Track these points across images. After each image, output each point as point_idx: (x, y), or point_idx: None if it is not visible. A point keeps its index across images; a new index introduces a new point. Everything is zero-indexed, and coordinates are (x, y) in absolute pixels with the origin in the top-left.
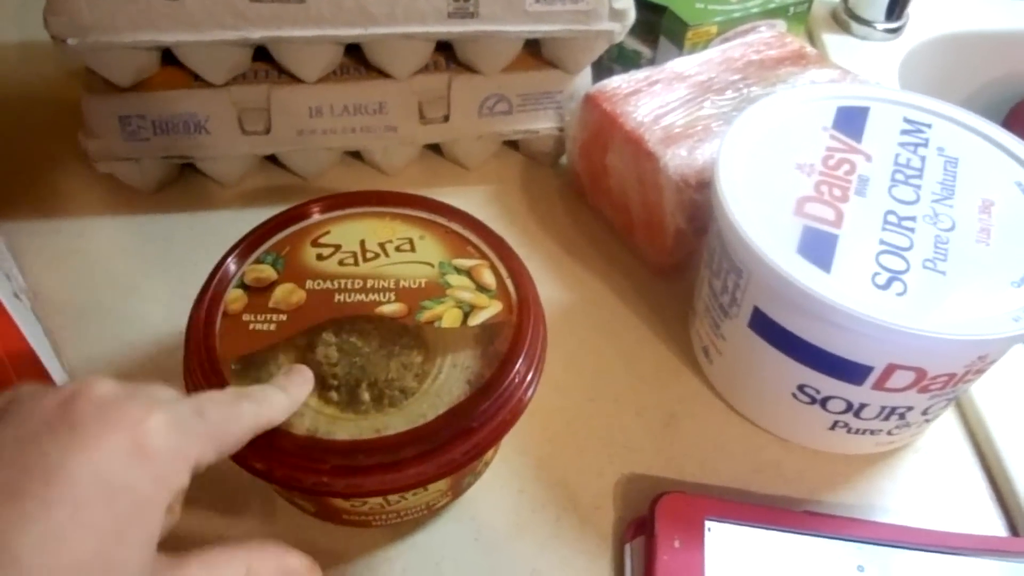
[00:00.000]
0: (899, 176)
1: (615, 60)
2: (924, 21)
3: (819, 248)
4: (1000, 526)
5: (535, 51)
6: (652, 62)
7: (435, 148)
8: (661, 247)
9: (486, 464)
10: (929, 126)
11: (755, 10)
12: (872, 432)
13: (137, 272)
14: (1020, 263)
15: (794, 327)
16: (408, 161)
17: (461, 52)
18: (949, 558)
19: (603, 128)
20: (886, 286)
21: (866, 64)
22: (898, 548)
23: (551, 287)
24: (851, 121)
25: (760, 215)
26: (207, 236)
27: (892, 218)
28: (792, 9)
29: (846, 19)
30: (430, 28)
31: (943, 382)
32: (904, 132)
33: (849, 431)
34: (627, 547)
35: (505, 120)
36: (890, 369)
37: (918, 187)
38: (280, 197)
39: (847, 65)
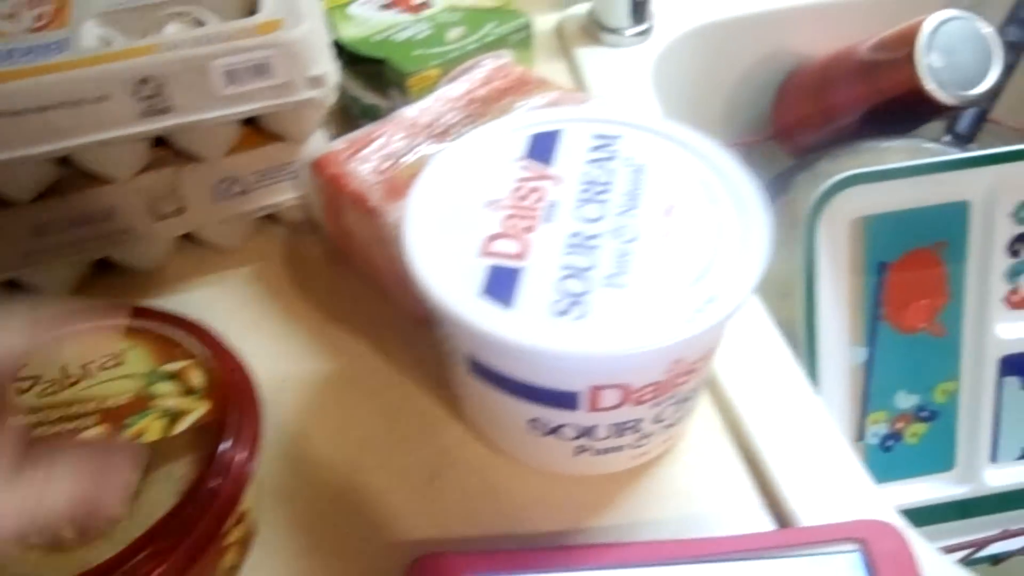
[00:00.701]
0: (586, 194)
1: (361, 116)
2: (672, 18)
3: (503, 285)
4: (768, 519)
5: (259, 127)
6: (390, 111)
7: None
8: (413, 297)
9: (234, 568)
10: (618, 138)
11: (473, 47)
12: (618, 449)
13: None
14: (697, 261)
15: (498, 366)
16: (164, 256)
17: (178, 144)
18: (719, 566)
19: (333, 192)
20: (566, 311)
21: (620, 72)
22: (665, 566)
23: (315, 360)
24: (543, 147)
25: (446, 262)
26: None
27: (576, 239)
28: (513, 38)
29: (594, 30)
30: (125, 131)
31: (653, 391)
32: (594, 149)
33: (595, 453)
34: None
35: (244, 200)
36: (596, 391)
37: (604, 202)
38: None
39: (602, 77)
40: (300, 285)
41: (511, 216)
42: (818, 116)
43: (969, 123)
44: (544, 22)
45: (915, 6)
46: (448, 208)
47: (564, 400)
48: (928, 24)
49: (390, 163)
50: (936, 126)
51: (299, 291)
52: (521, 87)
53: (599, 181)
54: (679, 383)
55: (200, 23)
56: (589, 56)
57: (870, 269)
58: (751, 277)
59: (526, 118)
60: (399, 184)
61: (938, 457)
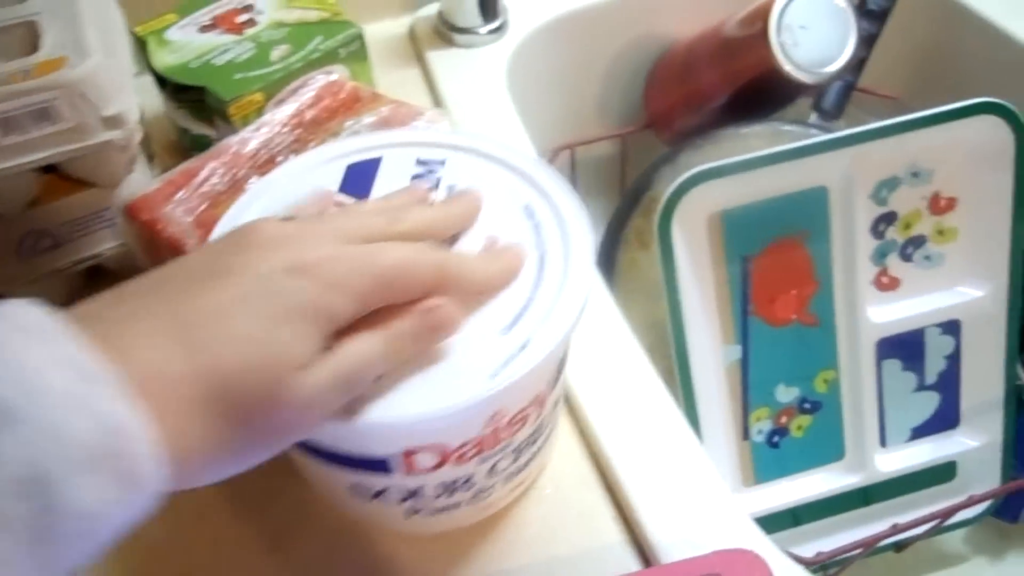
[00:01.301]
0: None
1: (192, 147)
2: (528, 11)
3: None
4: (632, 557)
5: (62, 173)
6: (220, 140)
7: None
8: None
9: None
10: (442, 163)
11: (298, 65)
12: (455, 506)
13: None
14: (514, 301)
15: None
16: None
17: None
18: None
19: (150, 239)
20: None
21: (473, 74)
22: None
23: None
24: (360, 177)
25: None
26: None
27: None
28: (343, 51)
29: (447, 33)
30: None
31: (476, 448)
32: (415, 176)
33: (429, 513)
34: None
35: (56, 255)
36: (409, 455)
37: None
38: None
39: (455, 81)
40: None
41: None
42: (686, 101)
43: (835, 98)
44: (396, 26)
45: None
46: None
47: (376, 466)
48: (779, 1)
49: (208, 202)
50: (804, 103)
51: None
52: (352, 105)
53: None
54: (507, 435)
55: None
56: (441, 59)
57: (733, 264)
58: (570, 315)
59: (344, 146)
60: (214, 220)
61: (827, 448)
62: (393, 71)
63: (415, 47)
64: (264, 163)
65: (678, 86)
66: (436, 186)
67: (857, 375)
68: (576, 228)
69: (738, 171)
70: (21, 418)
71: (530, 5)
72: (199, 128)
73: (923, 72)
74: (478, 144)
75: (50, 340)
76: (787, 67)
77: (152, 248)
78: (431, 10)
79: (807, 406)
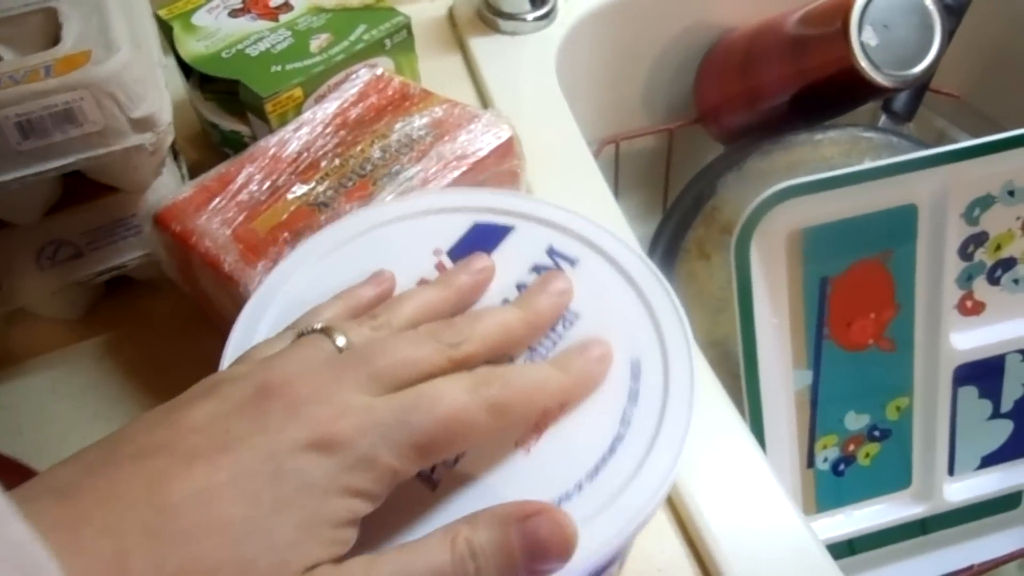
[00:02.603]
0: None
1: (222, 143)
2: None
3: None
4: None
5: (85, 179)
6: (254, 138)
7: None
8: None
9: None
10: (574, 262)
11: (340, 57)
12: None
13: None
14: (595, 447)
15: None
16: None
17: None
18: None
19: (181, 251)
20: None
21: (522, 61)
22: None
23: None
24: (476, 245)
25: None
26: None
27: None
28: (389, 42)
29: (491, 17)
30: None
31: None
32: (536, 268)
33: None
34: None
35: (78, 265)
36: None
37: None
38: None
39: (501, 71)
40: (157, 357)
41: None
42: (744, 97)
43: (907, 100)
44: (434, 8)
45: None
46: (314, 292)
47: None
48: None
49: (246, 213)
50: (871, 103)
51: (157, 364)
52: (401, 103)
53: None
54: None
55: None
56: (485, 47)
57: (811, 285)
58: (663, 480)
59: (478, 197)
60: (259, 240)
61: (893, 476)
62: (432, 58)
63: (455, 32)
64: (306, 169)
65: (735, 81)
66: None
67: (932, 402)
68: (680, 373)
69: (825, 188)
70: None
71: None
72: (230, 123)
73: (988, 70)
74: (616, 250)
75: None
76: (867, 69)
77: (184, 262)
78: None
79: (876, 434)
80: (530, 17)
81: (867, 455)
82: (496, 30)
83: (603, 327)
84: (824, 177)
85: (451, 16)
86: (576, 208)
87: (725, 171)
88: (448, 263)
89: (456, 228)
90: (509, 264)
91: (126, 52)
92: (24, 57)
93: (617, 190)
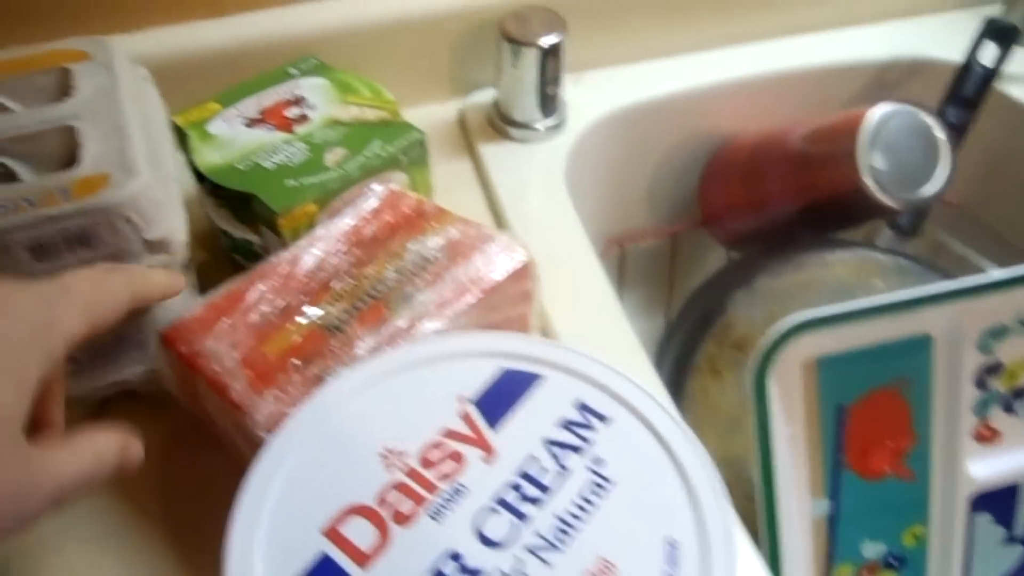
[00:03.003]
0: (510, 495)
1: (232, 250)
2: (584, 106)
3: None
4: None
5: None
6: (265, 248)
7: None
8: None
9: None
10: (606, 420)
11: (356, 172)
12: None
13: None
14: None
15: None
16: None
17: None
18: None
19: (187, 372)
20: None
21: (532, 168)
22: None
23: None
24: (503, 394)
25: (285, 524)
26: None
27: (449, 567)
28: (404, 158)
29: (503, 125)
30: None
31: None
32: (566, 424)
33: None
34: None
35: (80, 381)
36: None
37: (524, 519)
38: None
39: (511, 178)
40: (158, 473)
41: (398, 485)
42: (749, 206)
43: (912, 217)
44: (444, 112)
45: (840, 82)
46: (336, 439)
47: None
48: (869, 119)
49: (256, 335)
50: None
51: (158, 480)
52: (416, 221)
53: (539, 481)
54: None
55: (7, 175)
56: (495, 153)
57: (827, 414)
58: None
59: (506, 341)
60: (268, 366)
61: None
62: (442, 162)
63: (465, 137)
64: (319, 291)
65: (739, 189)
66: (580, 450)
67: (948, 530)
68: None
69: (842, 321)
70: None
71: (587, 99)
72: (241, 232)
73: (987, 179)
74: (649, 410)
75: None
76: (876, 192)
77: (189, 383)
78: (481, 98)
79: (892, 562)
80: (540, 126)
81: None
82: (507, 137)
83: (637, 499)
84: (840, 312)
85: (461, 121)
86: (581, 317)
87: (734, 288)
88: (473, 412)
89: (483, 374)
90: (537, 418)
91: (144, 177)
92: (41, 178)
93: (622, 288)
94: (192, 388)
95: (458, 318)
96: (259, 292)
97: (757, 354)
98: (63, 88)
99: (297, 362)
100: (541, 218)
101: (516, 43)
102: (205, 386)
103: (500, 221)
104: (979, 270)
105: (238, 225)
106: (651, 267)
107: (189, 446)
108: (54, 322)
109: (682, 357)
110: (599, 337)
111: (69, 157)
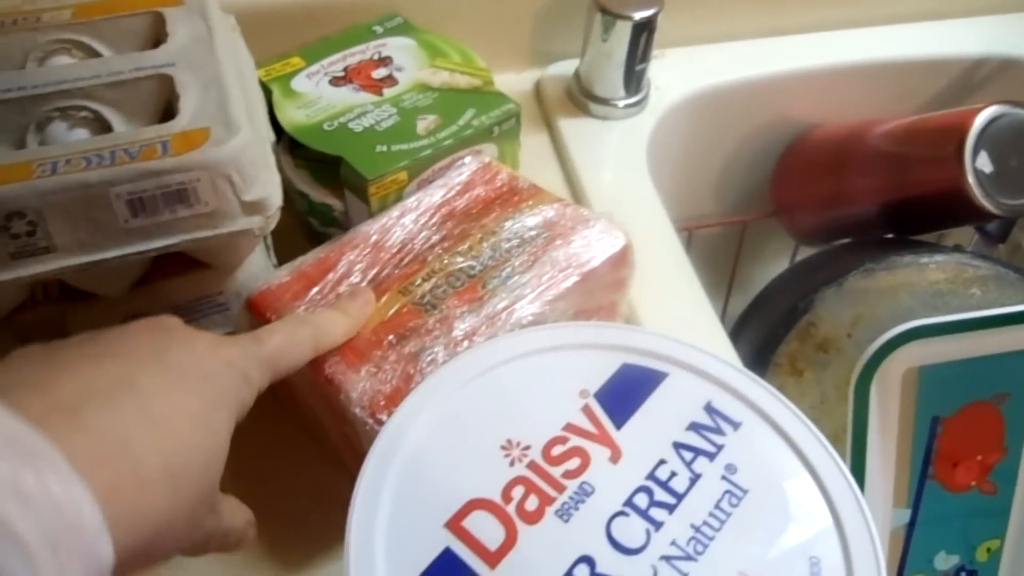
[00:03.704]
0: (641, 500)
1: (309, 213)
2: (666, 86)
3: None
4: None
5: (177, 252)
6: (346, 214)
7: None
8: None
9: None
10: (736, 425)
11: (448, 142)
12: None
13: None
14: None
15: None
16: None
17: (70, 279)
18: None
19: None
20: None
21: (613, 146)
22: None
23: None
24: (627, 390)
25: (406, 516)
26: None
27: (582, 571)
28: (497, 130)
29: (583, 100)
30: None
31: None
32: (695, 427)
33: None
34: None
35: None
36: None
37: (657, 526)
38: None
39: (592, 155)
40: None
41: (522, 480)
42: (830, 199)
43: (1003, 223)
44: (519, 82)
45: (925, 77)
46: (454, 428)
47: None
48: (978, 121)
49: None
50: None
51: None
52: (510, 198)
53: (671, 487)
54: None
55: (99, 123)
56: (574, 128)
57: (922, 424)
58: None
59: (628, 335)
60: (362, 341)
61: None
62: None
63: (542, 109)
64: (410, 262)
65: (820, 181)
66: (712, 456)
67: (1022, 545)
68: None
69: (951, 331)
70: None
71: (668, 80)
72: (321, 196)
73: None
74: (780, 415)
75: None
76: (980, 196)
77: None
78: (561, 69)
79: (964, 575)
80: (622, 104)
81: None
82: (586, 112)
83: (774, 511)
84: (951, 321)
85: (537, 93)
86: (665, 303)
87: (823, 286)
88: (596, 408)
89: (604, 368)
90: (664, 418)
91: (246, 133)
92: (139, 129)
93: None
94: None
95: (556, 302)
96: (349, 261)
97: (864, 359)
98: (156, 33)
99: (392, 339)
100: (623, 199)
101: (609, 14)
102: None
103: (579, 199)
104: None
105: (318, 188)
106: (715, 255)
107: (264, 418)
108: (250, 378)
109: (762, 351)
110: (683, 326)
111: (164, 107)
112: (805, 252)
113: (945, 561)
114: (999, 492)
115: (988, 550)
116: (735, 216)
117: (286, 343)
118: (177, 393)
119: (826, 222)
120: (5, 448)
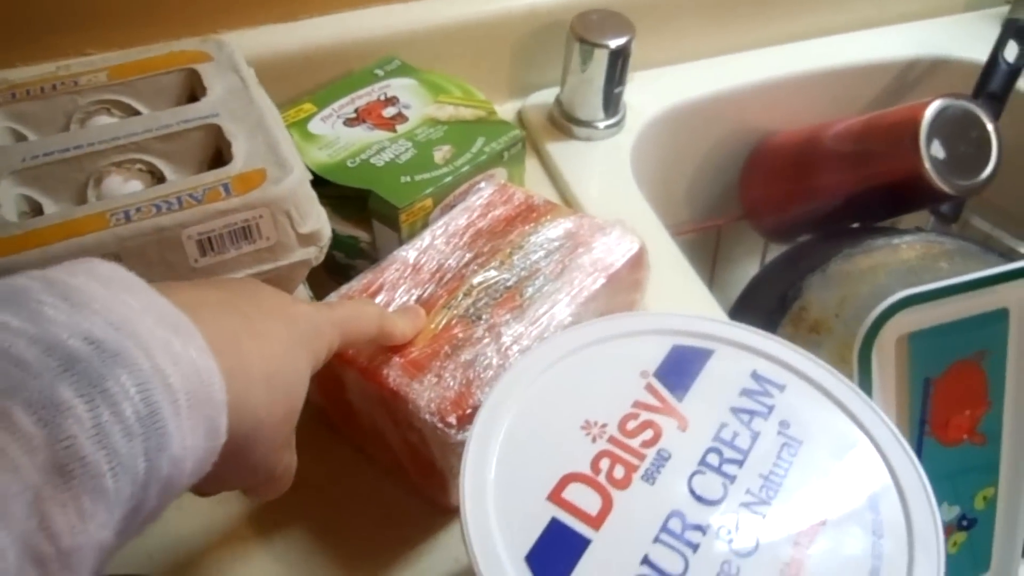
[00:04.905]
0: (712, 458)
1: (334, 248)
2: (640, 105)
3: (558, 556)
4: None
5: None
6: (372, 245)
7: None
8: (441, 487)
9: None
10: (782, 388)
11: (466, 168)
12: None
13: None
14: None
15: None
16: None
17: None
18: None
19: (331, 364)
20: None
21: (599, 164)
22: None
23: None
24: (681, 367)
25: (510, 494)
26: None
27: (676, 524)
28: (506, 154)
29: (566, 124)
30: None
31: None
32: (746, 392)
33: None
34: None
35: None
36: None
37: (731, 479)
38: None
39: (580, 174)
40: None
41: (607, 453)
42: (796, 198)
43: (955, 204)
44: (501, 113)
45: (866, 80)
46: (537, 420)
47: None
48: (928, 113)
49: None
50: None
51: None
52: (528, 214)
53: (735, 444)
54: None
55: (152, 174)
56: (561, 151)
57: (915, 386)
58: None
59: (673, 320)
60: (419, 353)
61: (975, 562)
62: None
63: (528, 136)
64: (449, 280)
65: (784, 182)
66: (766, 415)
67: (1016, 491)
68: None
69: (937, 298)
70: (132, 359)
71: (641, 100)
72: (346, 229)
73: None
74: (826, 378)
75: (137, 291)
76: (936, 179)
77: (332, 372)
78: (539, 99)
79: (964, 523)
80: (602, 125)
81: (955, 543)
82: (570, 135)
83: (827, 455)
84: (937, 287)
85: (521, 121)
86: (675, 301)
87: (808, 273)
88: (658, 385)
89: (657, 350)
90: (718, 388)
91: (299, 171)
92: (199, 176)
93: None
94: (330, 382)
95: (588, 303)
96: (392, 284)
97: (863, 329)
98: (189, 89)
99: (447, 349)
100: (618, 210)
101: (588, 44)
102: (353, 378)
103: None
104: (1011, 249)
105: (342, 222)
106: (692, 259)
107: (314, 437)
108: (321, 332)
109: None
110: None
111: (211, 155)
112: (775, 251)
113: (947, 512)
114: (988, 443)
115: (984, 498)
116: (708, 221)
117: (355, 313)
118: (269, 321)
119: (792, 219)
120: (160, 320)
